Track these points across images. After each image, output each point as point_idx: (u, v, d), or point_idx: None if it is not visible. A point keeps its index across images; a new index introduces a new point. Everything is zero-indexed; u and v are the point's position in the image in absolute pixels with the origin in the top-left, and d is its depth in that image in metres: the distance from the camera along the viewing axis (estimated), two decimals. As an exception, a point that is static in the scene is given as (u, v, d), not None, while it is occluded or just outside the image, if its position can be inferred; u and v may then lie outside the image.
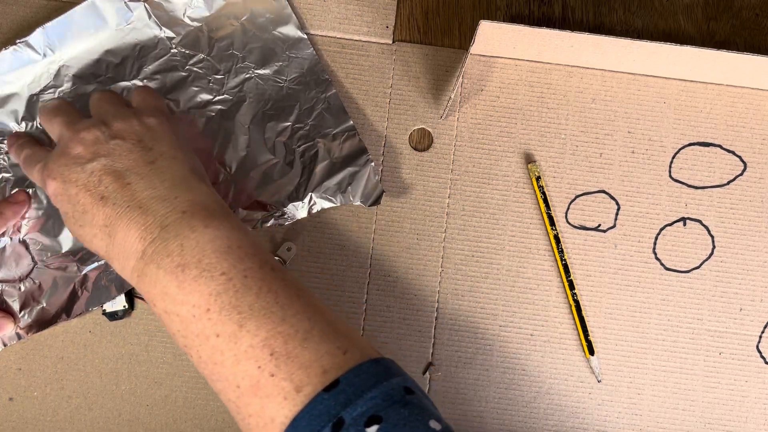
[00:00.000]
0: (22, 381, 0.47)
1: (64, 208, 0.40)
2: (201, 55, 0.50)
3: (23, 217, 0.47)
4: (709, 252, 0.50)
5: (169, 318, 0.36)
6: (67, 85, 0.49)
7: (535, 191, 0.50)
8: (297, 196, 0.48)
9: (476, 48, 0.50)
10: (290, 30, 0.50)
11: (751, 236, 0.50)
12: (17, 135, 0.47)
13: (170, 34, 0.50)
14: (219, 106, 0.49)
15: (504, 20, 0.50)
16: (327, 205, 0.48)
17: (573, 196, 0.50)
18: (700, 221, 0.50)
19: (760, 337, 0.49)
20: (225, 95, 0.49)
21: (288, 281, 0.37)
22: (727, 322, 0.49)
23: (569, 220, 0.50)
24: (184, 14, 0.50)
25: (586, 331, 0.48)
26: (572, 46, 0.48)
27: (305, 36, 0.50)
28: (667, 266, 0.50)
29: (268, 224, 0.48)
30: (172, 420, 0.47)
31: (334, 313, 0.38)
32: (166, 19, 0.50)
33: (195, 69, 0.49)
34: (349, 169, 0.48)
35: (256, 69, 0.50)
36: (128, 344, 0.48)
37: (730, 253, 0.50)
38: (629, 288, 0.49)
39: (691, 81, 0.51)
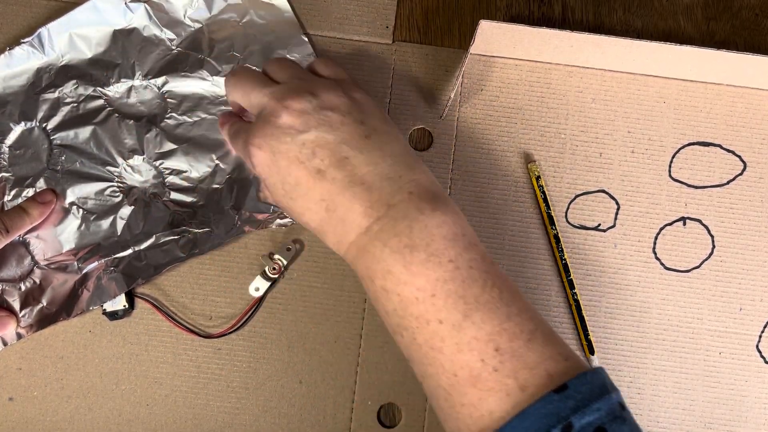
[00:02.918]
0: (22, 381, 0.47)
1: (273, 179, 0.38)
2: (201, 56, 0.50)
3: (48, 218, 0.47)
4: (709, 252, 0.50)
5: (387, 296, 0.36)
6: (68, 86, 0.49)
7: (535, 191, 0.50)
8: None
9: (476, 48, 0.50)
10: (291, 32, 0.50)
11: (751, 236, 0.50)
12: (227, 114, 0.46)
13: (171, 35, 0.50)
14: (220, 107, 0.49)
15: (504, 20, 0.50)
16: None
17: (573, 196, 0.50)
18: (699, 221, 0.50)
19: (760, 336, 0.49)
20: (225, 96, 0.49)
21: (506, 278, 0.37)
22: (727, 322, 0.49)
23: (569, 220, 0.50)
24: (184, 15, 0.50)
25: (586, 330, 0.48)
26: (572, 46, 0.48)
27: (306, 38, 0.50)
28: (667, 266, 0.50)
29: (273, 226, 0.48)
30: (172, 420, 0.47)
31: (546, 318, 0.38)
32: (166, 19, 0.50)
33: (196, 70, 0.50)
34: None
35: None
36: (128, 344, 0.48)
37: (730, 252, 0.50)
38: (629, 288, 0.49)
39: (691, 81, 0.51)
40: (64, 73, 0.49)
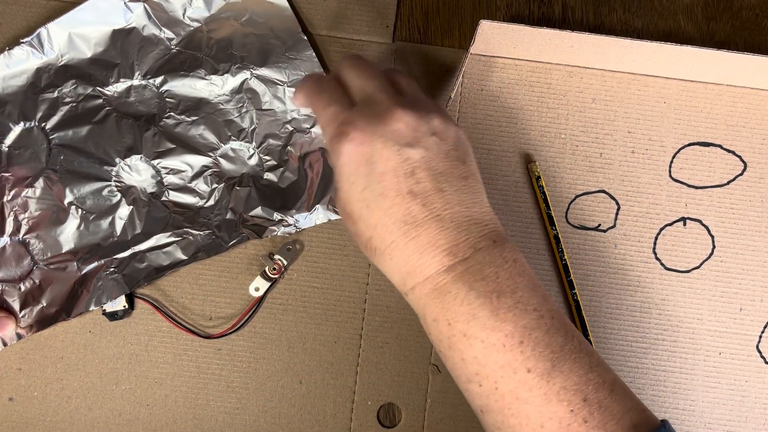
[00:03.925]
0: (22, 381, 0.47)
1: (356, 180, 0.36)
2: (200, 55, 0.50)
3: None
4: (709, 252, 0.50)
5: (469, 342, 0.34)
6: (67, 85, 0.49)
7: (535, 191, 0.50)
8: (303, 207, 0.48)
9: (476, 48, 0.50)
10: (290, 31, 0.50)
11: (751, 236, 0.50)
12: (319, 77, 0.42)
13: (170, 34, 0.50)
14: (219, 107, 0.49)
15: (504, 20, 0.50)
16: (333, 217, 0.48)
17: (573, 196, 0.50)
18: (700, 221, 0.50)
19: (760, 337, 0.49)
20: (224, 96, 0.49)
21: (574, 327, 0.36)
22: (727, 322, 0.49)
23: (569, 220, 0.50)
24: (183, 14, 0.50)
25: (586, 331, 0.48)
26: (572, 46, 0.48)
27: (305, 38, 0.50)
28: (667, 266, 0.50)
29: (276, 234, 0.48)
30: (172, 420, 0.47)
31: None
32: (165, 19, 0.50)
33: (194, 69, 0.49)
34: None
35: (256, 70, 0.49)
36: (128, 344, 0.48)
37: (730, 253, 0.50)
38: (629, 288, 0.49)
39: (691, 81, 0.51)
40: (63, 72, 0.49)
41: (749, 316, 0.49)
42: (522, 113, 0.51)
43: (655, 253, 0.50)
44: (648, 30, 0.52)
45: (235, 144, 0.49)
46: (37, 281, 0.47)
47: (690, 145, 0.51)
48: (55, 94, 0.49)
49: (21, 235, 0.47)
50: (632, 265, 0.50)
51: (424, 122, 0.36)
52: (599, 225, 0.50)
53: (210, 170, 0.49)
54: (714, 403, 0.49)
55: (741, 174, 0.51)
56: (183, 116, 0.49)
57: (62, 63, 0.49)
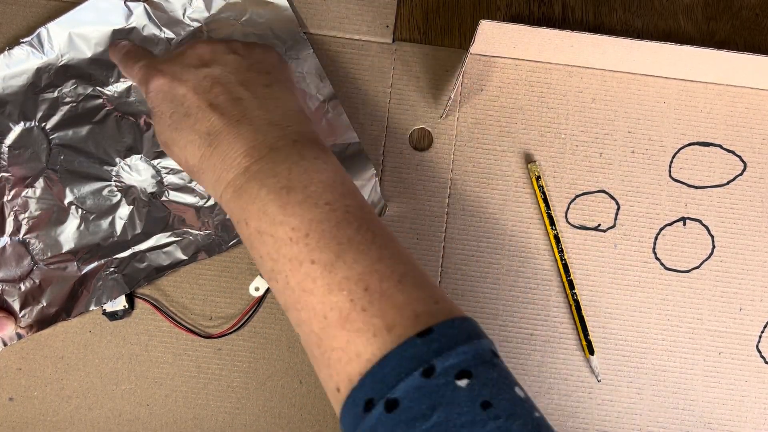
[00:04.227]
0: (22, 381, 0.47)
1: (163, 107, 0.39)
2: None
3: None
4: (709, 252, 0.50)
5: (261, 238, 0.35)
6: (67, 85, 0.49)
7: (535, 191, 0.50)
8: None
9: (476, 48, 0.50)
10: (290, 31, 0.50)
11: (751, 236, 0.50)
12: (118, 41, 0.48)
13: (170, 34, 0.50)
14: None
15: (504, 20, 0.50)
16: None
17: (573, 196, 0.50)
18: (700, 221, 0.50)
19: (760, 337, 0.49)
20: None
21: (383, 225, 0.37)
22: (727, 322, 0.49)
23: (569, 220, 0.50)
24: (183, 14, 0.50)
25: (586, 330, 0.48)
26: (572, 46, 0.48)
27: (305, 37, 0.50)
28: (667, 266, 0.50)
29: None
30: (173, 420, 0.47)
31: (422, 266, 0.37)
32: (166, 19, 0.50)
33: None
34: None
35: None
36: (128, 344, 0.48)
37: (730, 253, 0.50)
38: (629, 288, 0.49)
39: (691, 81, 0.51)
40: (63, 72, 0.49)
41: (749, 316, 0.49)
42: (522, 113, 0.51)
43: (655, 253, 0.50)
44: (648, 30, 0.52)
45: None
46: (37, 281, 0.47)
47: (690, 145, 0.51)
48: (55, 94, 0.49)
49: (21, 235, 0.47)
50: (632, 265, 0.50)
51: (224, 45, 0.40)
52: (599, 225, 0.50)
53: None
54: (714, 403, 0.49)
55: (741, 174, 0.51)
56: None
57: (62, 63, 0.49)
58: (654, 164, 0.50)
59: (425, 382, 0.30)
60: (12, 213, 0.47)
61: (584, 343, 0.48)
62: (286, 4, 0.50)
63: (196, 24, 0.50)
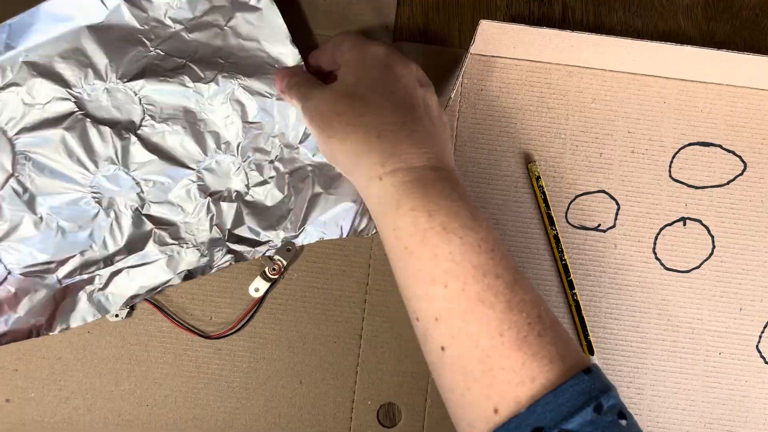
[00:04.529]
0: (19, 382, 0.47)
1: (358, 68, 0.41)
2: (183, 61, 0.46)
3: None
4: (709, 252, 0.50)
5: (447, 237, 0.35)
6: (33, 84, 0.45)
7: (535, 191, 0.50)
8: (290, 227, 0.47)
9: (476, 48, 0.50)
10: (277, 37, 0.47)
11: (751, 236, 0.50)
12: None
13: (149, 35, 0.46)
14: (203, 117, 0.46)
15: (504, 20, 0.50)
16: (326, 237, 0.47)
17: (573, 196, 0.50)
18: (700, 221, 0.50)
19: (760, 337, 0.49)
20: (208, 105, 0.46)
21: None
22: (727, 322, 0.49)
23: (569, 220, 0.50)
24: (165, 15, 0.46)
25: (586, 331, 0.48)
26: (572, 46, 0.48)
27: (293, 45, 0.47)
28: (667, 266, 0.50)
29: (263, 254, 0.47)
30: (173, 420, 0.47)
31: None
32: (145, 18, 0.46)
33: (176, 75, 0.46)
34: (345, 204, 0.47)
35: (243, 80, 0.46)
36: (128, 345, 0.47)
37: (730, 253, 0.50)
38: (629, 288, 0.49)
39: (691, 81, 0.51)
40: (27, 70, 0.45)
41: (749, 316, 0.49)
42: (522, 113, 0.51)
43: (655, 253, 0.50)
44: (648, 30, 0.52)
45: (219, 157, 0.46)
46: (12, 289, 0.44)
47: (690, 145, 0.51)
48: (18, 95, 0.44)
49: None
50: (632, 265, 0.50)
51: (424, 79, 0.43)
52: (599, 225, 0.50)
53: (193, 184, 0.46)
54: (714, 403, 0.49)
55: (741, 174, 0.51)
56: (163, 125, 0.46)
57: (27, 59, 0.45)
58: (654, 164, 0.50)
59: (597, 417, 0.31)
60: None
61: (584, 343, 0.48)
62: (275, 8, 0.47)
63: (178, 26, 0.46)
